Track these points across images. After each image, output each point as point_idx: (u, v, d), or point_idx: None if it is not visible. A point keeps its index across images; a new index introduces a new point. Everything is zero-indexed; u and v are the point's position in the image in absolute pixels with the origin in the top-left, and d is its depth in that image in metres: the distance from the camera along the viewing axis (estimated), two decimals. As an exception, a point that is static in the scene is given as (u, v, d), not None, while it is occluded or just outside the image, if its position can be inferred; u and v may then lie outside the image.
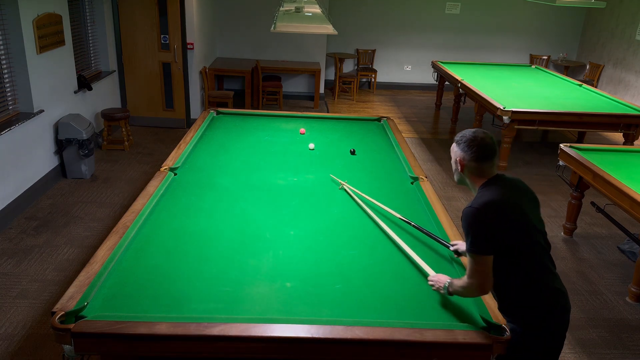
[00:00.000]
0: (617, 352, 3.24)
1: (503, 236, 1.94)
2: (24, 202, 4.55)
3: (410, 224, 2.72)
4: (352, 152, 3.93)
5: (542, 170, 6.09)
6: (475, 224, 1.93)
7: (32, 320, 3.21)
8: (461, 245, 2.38)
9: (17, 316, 3.23)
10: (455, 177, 2.16)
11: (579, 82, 7.17)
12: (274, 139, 4.19)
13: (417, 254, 2.47)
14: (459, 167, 2.08)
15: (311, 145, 3.97)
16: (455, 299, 2.19)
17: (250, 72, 7.84)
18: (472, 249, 1.94)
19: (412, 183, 3.43)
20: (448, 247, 2.49)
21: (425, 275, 2.33)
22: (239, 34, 8.69)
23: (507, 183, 2.05)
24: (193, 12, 6.75)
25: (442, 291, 2.13)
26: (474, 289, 1.99)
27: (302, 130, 4.37)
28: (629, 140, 5.66)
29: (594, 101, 6.19)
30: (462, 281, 2.04)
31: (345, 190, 3.24)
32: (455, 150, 2.09)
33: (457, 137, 2.09)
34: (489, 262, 1.95)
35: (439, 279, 2.16)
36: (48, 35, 4.85)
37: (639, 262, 3.62)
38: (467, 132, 2.06)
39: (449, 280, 2.11)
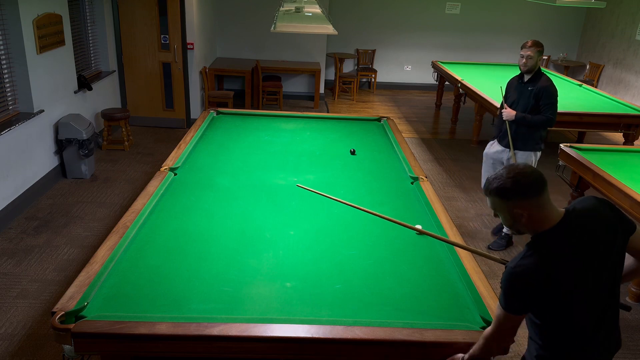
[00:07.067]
0: (617, 352, 3.23)
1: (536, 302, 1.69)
2: (24, 202, 4.55)
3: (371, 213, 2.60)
4: (352, 152, 3.93)
5: (542, 170, 6.02)
6: (510, 286, 1.67)
7: (32, 320, 3.21)
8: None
9: (17, 316, 3.23)
10: (515, 230, 1.78)
11: (579, 82, 7.17)
12: (274, 139, 4.19)
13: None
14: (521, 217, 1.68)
15: (418, 227, 2.68)
16: (453, 298, 2.20)
17: (250, 72, 7.84)
18: (504, 307, 1.70)
19: (412, 183, 3.43)
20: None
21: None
22: (239, 34, 8.69)
23: (574, 227, 1.67)
24: (193, 12, 6.74)
25: None
26: (491, 343, 1.79)
27: None
28: (629, 140, 5.65)
29: (594, 101, 6.18)
30: (481, 338, 1.83)
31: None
32: (499, 202, 1.72)
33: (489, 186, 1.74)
34: (518, 321, 1.73)
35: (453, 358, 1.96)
36: (48, 35, 4.85)
37: (639, 262, 3.61)
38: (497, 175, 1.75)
39: (462, 355, 1.91)
